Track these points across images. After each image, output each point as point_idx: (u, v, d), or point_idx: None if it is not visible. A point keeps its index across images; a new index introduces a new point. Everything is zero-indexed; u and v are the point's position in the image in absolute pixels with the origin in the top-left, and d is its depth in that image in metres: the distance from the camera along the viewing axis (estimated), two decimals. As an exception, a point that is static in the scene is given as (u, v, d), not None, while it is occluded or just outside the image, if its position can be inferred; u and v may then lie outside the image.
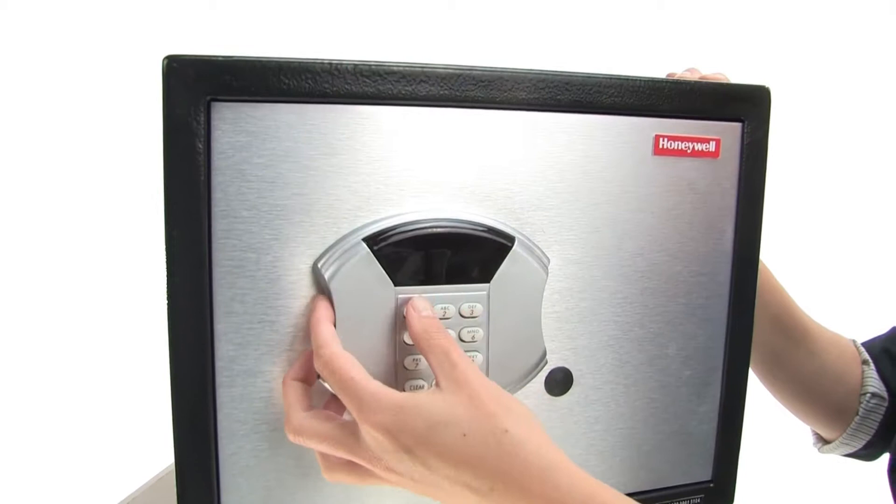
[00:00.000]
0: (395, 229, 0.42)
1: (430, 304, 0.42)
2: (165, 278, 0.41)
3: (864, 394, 0.61)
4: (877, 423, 0.60)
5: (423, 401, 0.36)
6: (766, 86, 0.52)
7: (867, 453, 0.63)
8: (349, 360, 0.38)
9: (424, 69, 0.42)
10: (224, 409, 0.42)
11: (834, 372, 0.61)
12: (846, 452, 0.64)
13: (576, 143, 0.46)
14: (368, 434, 0.36)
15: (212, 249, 0.40)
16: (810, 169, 1.62)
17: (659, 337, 0.50)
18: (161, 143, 0.40)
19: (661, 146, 0.48)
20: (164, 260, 0.41)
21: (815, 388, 0.62)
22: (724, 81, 0.57)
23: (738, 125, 0.50)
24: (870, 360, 0.62)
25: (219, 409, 0.42)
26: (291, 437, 0.39)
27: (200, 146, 0.40)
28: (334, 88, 0.41)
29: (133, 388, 1.77)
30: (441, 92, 0.43)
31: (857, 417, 0.61)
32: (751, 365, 0.63)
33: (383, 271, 0.42)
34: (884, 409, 0.60)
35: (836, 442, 0.63)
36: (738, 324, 0.52)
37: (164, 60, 0.39)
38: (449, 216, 0.44)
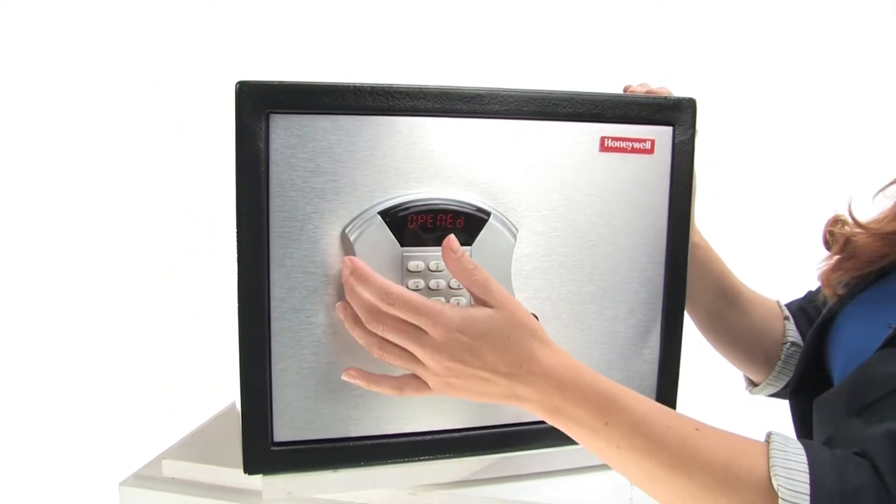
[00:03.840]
0: (402, 205, 0.61)
1: (458, 244, 0.57)
2: (236, 240, 0.60)
3: (786, 343, 0.79)
4: (793, 367, 0.78)
5: (481, 313, 0.55)
6: (693, 97, 0.70)
7: (787, 392, 0.81)
8: (414, 293, 0.55)
9: (422, 89, 0.61)
10: (276, 338, 0.61)
11: (762, 326, 0.80)
12: (771, 393, 0.82)
13: (539, 142, 0.65)
14: (442, 336, 0.54)
15: (269, 220, 0.59)
16: (757, 161, 1.89)
17: (608, 292, 0.68)
18: (234, 145, 0.59)
19: (605, 145, 0.67)
20: (235, 226, 0.60)
21: (747, 340, 0.80)
22: (666, 94, 0.76)
23: (669, 129, 0.69)
24: (790, 317, 0.81)
25: (272, 338, 0.61)
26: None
27: (262, 146, 0.59)
28: (357, 104, 0.60)
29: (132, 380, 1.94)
30: (435, 106, 0.61)
31: (780, 362, 0.79)
32: (694, 322, 0.82)
33: (393, 236, 0.61)
34: (799, 354, 0.78)
35: (764, 384, 0.81)
36: (673, 283, 0.70)
37: (236, 84, 0.59)
38: (441, 196, 0.62)
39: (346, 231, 0.60)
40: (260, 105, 0.58)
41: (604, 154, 0.67)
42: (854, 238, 0.68)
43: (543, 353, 0.55)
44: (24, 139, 2.18)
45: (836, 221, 0.70)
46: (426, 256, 0.62)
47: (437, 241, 0.61)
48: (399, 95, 0.60)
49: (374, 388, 0.59)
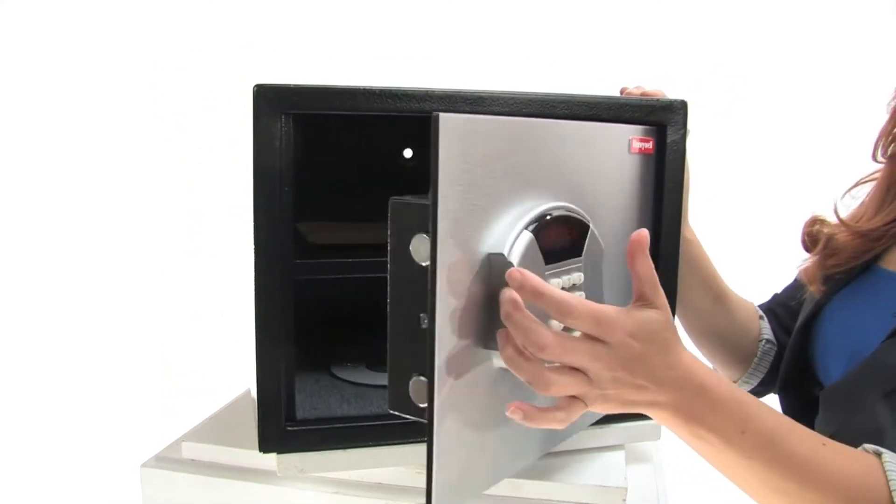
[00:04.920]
0: (543, 217, 0.57)
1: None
2: (252, 231, 0.64)
3: (761, 340, 0.87)
4: (769, 364, 0.85)
5: (647, 316, 0.51)
6: (684, 99, 0.75)
7: (761, 390, 0.88)
8: (584, 299, 0.51)
9: (427, 91, 0.65)
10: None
11: (741, 325, 0.87)
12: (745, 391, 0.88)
13: (581, 143, 0.65)
14: (619, 342, 0.49)
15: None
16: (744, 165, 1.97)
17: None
18: (252, 142, 0.64)
19: (634, 146, 0.71)
20: (252, 222, 0.64)
21: (730, 339, 0.87)
22: (661, 95, 0.81)
23: (663, 129, 0.74)
24: (764, 316, 0.88)
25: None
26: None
27: (278, 144, 0.64)
28: (366, 105, 0.64)
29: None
30: (441, 108, 0.66)
31: (756, 359, 0.86)
32: (680, 319, 0.87)
33: (540, 254, 0.56)
34: (774, 352, 0.86)
35: (739, 381, 0.87)
36: (665, 281, 0.70)
37: (254, 87, 0.63)
38: (559, 204, 0.59)
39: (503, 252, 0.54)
40: (276, 106, 0.63)
41: (633, 155, 0.71)
42: (835, 236, 0.73)
43: (685, 356, 0.53)
44: (23, 139, 2.22)
45: (815, 222, 0.76)
46: (560, 272, 0.59)
47: (566, 255, 0.59)
48: (406, 97, 0.65)
49: (543, 426, 0.52)
